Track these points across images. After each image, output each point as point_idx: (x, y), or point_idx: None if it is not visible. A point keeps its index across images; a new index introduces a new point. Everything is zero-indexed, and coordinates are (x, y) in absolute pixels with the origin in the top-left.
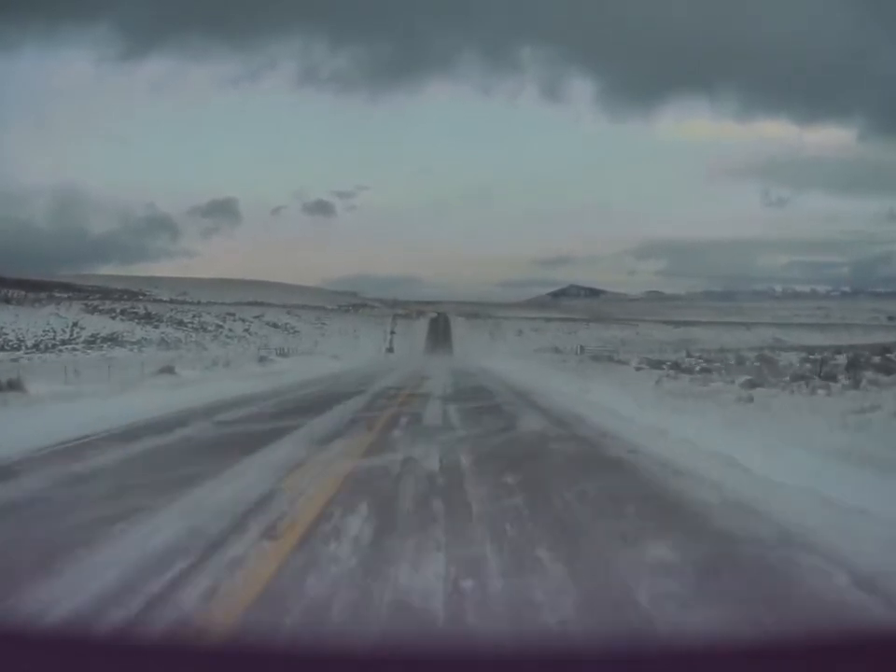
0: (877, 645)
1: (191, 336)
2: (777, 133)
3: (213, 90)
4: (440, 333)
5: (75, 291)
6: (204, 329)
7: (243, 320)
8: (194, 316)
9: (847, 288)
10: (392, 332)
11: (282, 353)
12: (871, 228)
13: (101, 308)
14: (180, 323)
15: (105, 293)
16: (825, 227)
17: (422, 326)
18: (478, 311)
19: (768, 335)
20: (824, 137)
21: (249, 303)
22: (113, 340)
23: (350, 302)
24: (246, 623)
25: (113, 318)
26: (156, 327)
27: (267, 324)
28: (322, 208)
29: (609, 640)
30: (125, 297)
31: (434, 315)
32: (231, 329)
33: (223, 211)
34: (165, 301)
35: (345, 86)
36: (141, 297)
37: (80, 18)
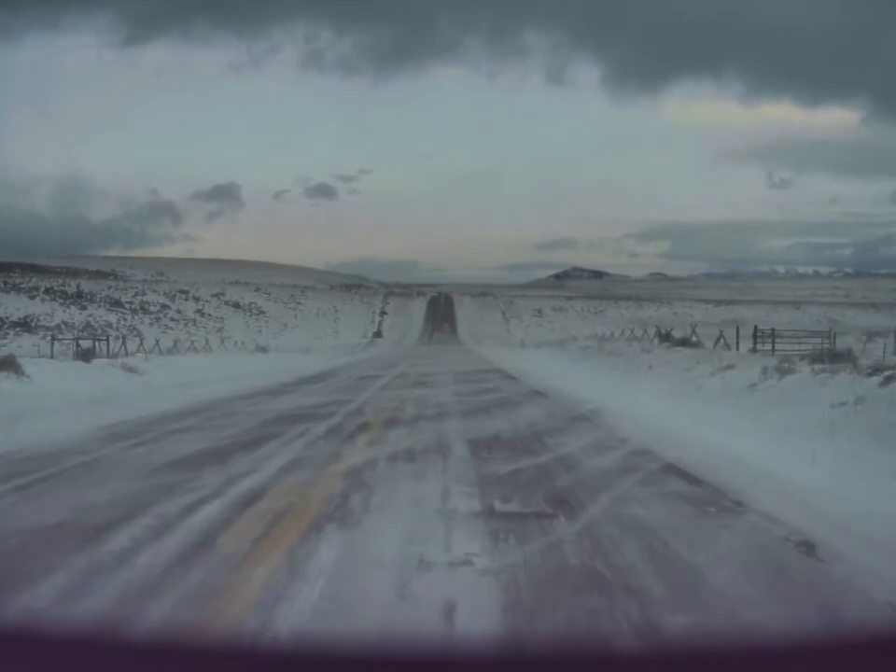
0: (878, 644)
1: (126, 319)
2: (781, 115)
3: (216, 76)
4: (441, 315)
5: (39, 273)
6: (145, 311)
7: (196, 299)
8: (136, 295)
9: (849, 270)
10: (382, 313)
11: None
12: (872, 210)
13: (21, 286)
14: (116, 303)
15: (73, 274)
16: (827, 209)
17: (419, 306)
18: (484, 291)
19: (819, 314)
20: (828, 120)
21: (232, 283)
22: (24, 325)
23: (343, 283)
24: None
25: (32, 298)
26: (84, 308)
27: (227, 303)
28: (324, 192)
29: (608, 639)
30: (93, 277)
31: (435, 294)
32: (179, 311)
33: (226, 196)
34: (138, 281)
35: (349, 71)
36: (112, 277)
37: (83, 5)
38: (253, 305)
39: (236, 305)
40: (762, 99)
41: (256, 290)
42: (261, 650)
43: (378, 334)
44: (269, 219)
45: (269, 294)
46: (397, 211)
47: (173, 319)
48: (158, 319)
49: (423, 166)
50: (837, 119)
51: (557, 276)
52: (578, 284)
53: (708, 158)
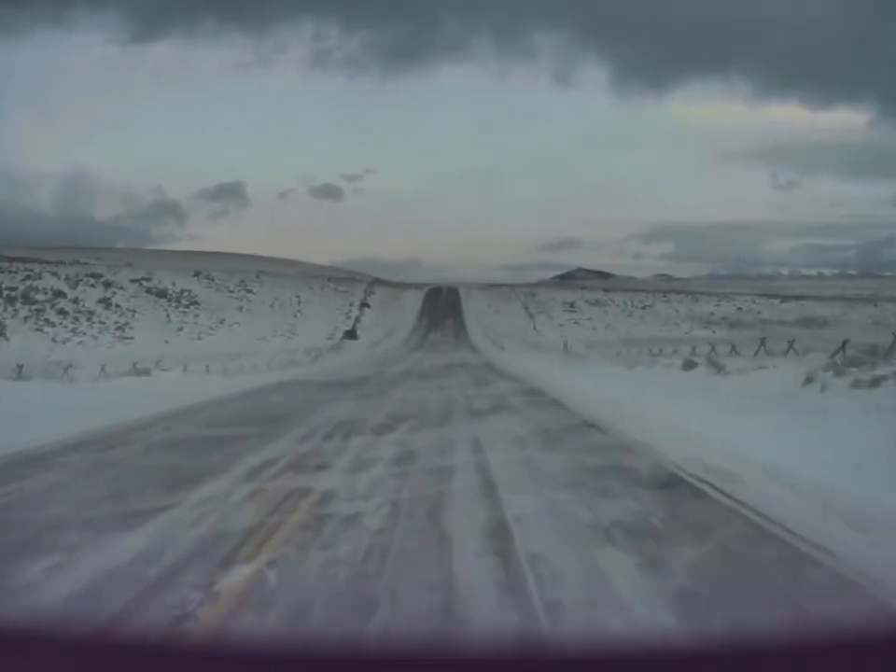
0: (877, 644)
1: None
2: (787, 116)
3: (222, 74)
4: (442, 308)
5: None
6: (27, 300)
7: (108, 285)
8: (26, 279)
9: (852, 272)
10: (363, 306)
11: None
12: (875, 211)
13: None
14: None
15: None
16: (831, 210)
17: (413, 298)
18: (494, 284)
19: None
20: (834, 121)
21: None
22: None
23: (332, 276)
24: None
25: None
26: None
27: (149, 291)
28: (329, 192)
29: (608, 640)
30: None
31: (436, 286)
32: (76, 300)
33: (231, 195)
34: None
35: (355, 70)
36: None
37: (89, 2)
38: (185, 294)
39: (161, 294)
40: (769, 100)
41: (195, 275)
42: (260, 649)
43: (351, 334)
44: (274, 219)
45: (211, 280)
46: (401, 211)
47: (61, 312)
48: (39, 311)
49: (428, 165)
50: (844, 121)
51: (561, 277)
52: (583, 285)
53: (713, 159)
